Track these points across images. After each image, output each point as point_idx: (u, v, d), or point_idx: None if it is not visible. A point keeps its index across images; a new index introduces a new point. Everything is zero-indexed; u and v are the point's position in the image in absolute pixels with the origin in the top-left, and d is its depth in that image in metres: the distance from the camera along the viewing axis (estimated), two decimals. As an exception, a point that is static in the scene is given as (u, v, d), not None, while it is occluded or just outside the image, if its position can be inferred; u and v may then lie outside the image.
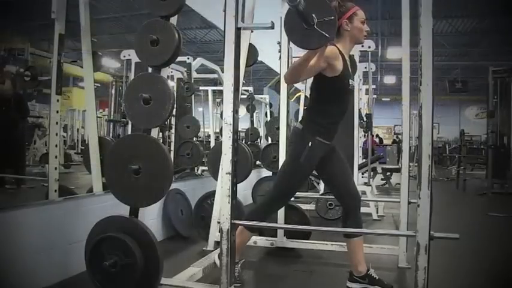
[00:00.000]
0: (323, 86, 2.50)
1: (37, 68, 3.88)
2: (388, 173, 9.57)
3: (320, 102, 2.57)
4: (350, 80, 2.55)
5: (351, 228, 2.67)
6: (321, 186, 6.16)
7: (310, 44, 1.94)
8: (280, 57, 3.82)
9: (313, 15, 1.84)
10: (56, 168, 3.30)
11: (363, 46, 5.03)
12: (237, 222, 2.13)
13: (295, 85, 7.10)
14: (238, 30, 2.11)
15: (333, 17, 1.86)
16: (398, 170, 8.74)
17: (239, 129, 2.20)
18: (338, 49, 2.44)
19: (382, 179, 9.68)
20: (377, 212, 5.52)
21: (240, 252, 2.75)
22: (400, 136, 18.83)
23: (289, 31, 1.96)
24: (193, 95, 6.22)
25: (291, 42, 3.80)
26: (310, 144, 2.49)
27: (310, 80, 6.38)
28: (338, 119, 2.65)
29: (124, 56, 5.43)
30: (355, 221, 2.66)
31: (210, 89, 7.89)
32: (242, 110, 7.79)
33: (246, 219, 2.61)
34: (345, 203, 2.72)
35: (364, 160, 8.10)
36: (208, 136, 8.67)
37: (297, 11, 1.78)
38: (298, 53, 4.74)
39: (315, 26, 1.85)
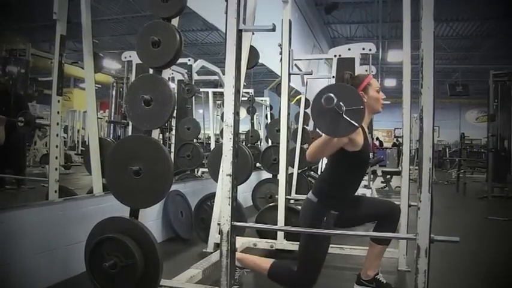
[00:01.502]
0: (343, 160, 2.42)
1: (32, 115, 3.88)
2: (388, 176, 9.57)
3: (338, 175, 2.50)
4: (370, 154, 2.53)
5: (351, 232, 2.66)
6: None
7: (337, 131, 1.94)
8: (281, 60, 3.83)
9: (341, 103, 1.84)
10: (56, 169, 3.30)
11: (363, 49, 5.03)
12: (237, 224, 2.12)
13: (296, 87, 7.11)
14: (239, 32, 2.11)
15: (362, 107, 1.86)
16: (398, 173, 8.75)
17: (239, 131, 2.20)
18: None
19: (382, 182, 9.67)
20: (377, 215, 5.50)
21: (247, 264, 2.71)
22: (400, 139, 18.85)
23: (317, 117, 1.95)
24: (193, 97, 6.22)
25: (292, 45, 3.82)
26: (325, 219, 2.45)
27: (310, 84, 6.39)
28: (354, 191, 2.62)
29: (125, 58, 5.42)
30: (393, 225, 2.63)
31: (210, 90, 7.89)
32: (242, 112, 7.79)
33: (282, 282, 2.55)
34: (388, 218, 2.65)
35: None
36: (209, 138, 8.66)
37: (329, 108, 1.81)
38: (300, 55, 4.76)
39: (344, 115, 1.85)
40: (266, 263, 2.58)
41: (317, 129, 6.54)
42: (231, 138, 2.07)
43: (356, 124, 1.86)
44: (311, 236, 2.44)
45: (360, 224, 2.75)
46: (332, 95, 1.78)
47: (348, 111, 1.85)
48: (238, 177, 2.17)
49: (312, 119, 1.97)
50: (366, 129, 2.53)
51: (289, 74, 3.88)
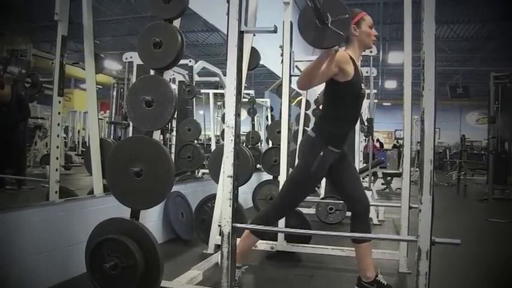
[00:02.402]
0: (336, 91, 2.50)
1: (37, 75, 3.90)
2: (389, 178, 9.56)
3: (333, 108, 2.56)
4: (362, 84, 2.56)
5: (352, 233, 2.67)
6: (321, 191, 6.16)
7: (324, 42, 1.95)
8: (282, 61, 3.82)
9: (328, 14, 1.84)
10: (56, 170, 3.30)
11: (364, 51, 5.02)
12: (238, 225, 2.12)
13: (296, 89, 7.11)
14: (241, 34, 2.11)
15: (347, 15, 1.87)
16: (398, 175, 8.75)
17: (240, 133, 2.20)
18: (348, 54, 2.44)
19: (382, 184, 9.67)
20: (377, 217, 5.51)
21: (245, 256, 2.74)
22: (400, 141, 18.86)
23: (303, 30, 1.96)
24: (194, 98, 6.22)
25: (293, 46, 3.82)
26: (322, 154, 2.49)
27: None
28: (350, 126, 2.67)
29: (126, 58, 5.43)
30: (365, 226, 2.65)
31: (211, 92, 7.89)
32: (243, 114, 7.79)
33: (251, 224, 2.62)
34: (354, 207, 2.71)
35: (364, 165, 8.10)
36: (209, 139, 8.67)
37: (314, 7, 1.78)
38: (301, 57, 4.76)
39: (329, 25, 1.85)
40: (246, 234, 2.73)
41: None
42: (232, 140, 2.07)
43: (342, 33, 1.86)
44: (304, 171, 2.56)
45: (335, 189, 2.81)
46: None
47: (334, 21, 1.86)
48: (239, 178, 2.17)
49: (299, 32, 1.97)
50: (358, 63, 2.56)
51: (290, 76, 3.87)
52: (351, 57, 2.44)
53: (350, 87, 2.46)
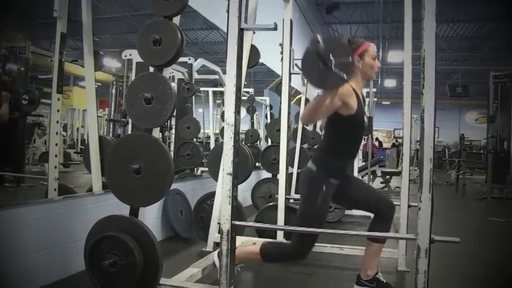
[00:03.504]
0: (338, 124, 2.45)
1: (35, 92, 3.88)
2: (388, 177, 9.57)
3: (335, 141, 2.53)
4: (364, 117, 2.55)
5: (350, 231, 2.66)
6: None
7: (327, 84, 1.95)
8: (282, 59, 3.82)
9: (331, 56, 1.84)
10: (55, 167, 3.30)
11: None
12: (237, 223, 2.12)
13: (296, 87, 7.10)
14: (241, 31, 2.10)
15: (350, 59, 1.87)
16: (397, 174, 8.76)
17: (240, 131, 2.20)
18: (351, 86, 2.41)
19: (381, 183, 9.68)
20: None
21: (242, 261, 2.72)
22: (399, 140, 18.85)
23: (307, 72, 1.98)
24: (193, 96, 6.22)
25: (292, 45, 3.82)
26: (324, 188, 2.46)
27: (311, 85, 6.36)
28: (351, 158, 2.65)
29: (125, 56, 5.41)
30: (385, 226, 2.62)
31: (210, 90, 7.88)
32: (242, 112, 7.78)
33: (279, 261, 2.59)
34: (380, 211, 2.65)
35: (364, 163, 8.10)
36: (208, 137, 8.67)
37: (317, 53, 1.80)
38: (300, 55, 4.76)
39: (333, 68, 1.86)
40: (255, 249, 2.60)
41: (317, 129, 6.56)
42: (231, 137, 2.07)
43: (345, 77, 1.87)
44: (310, 204, 2.48)
45: (355, 207, 2.77)
46: (318, 37, 1.77)
47: (337, 64, 1.86)
48: (239, 176, 2.17)
49: (302, 73, 1.98)
50: (360, 95, 2.54)
51: (290, 74, 3.87)
52: (354, 89, 2.41)
53: (353, 120, 2.43)
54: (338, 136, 2.52)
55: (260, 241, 3.60)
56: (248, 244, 2.74)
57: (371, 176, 8.12)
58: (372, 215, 2.73)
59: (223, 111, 2.16)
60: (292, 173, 5.61)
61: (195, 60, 6.05)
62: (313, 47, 1.77)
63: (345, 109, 2.35)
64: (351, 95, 2.34)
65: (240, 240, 3.44)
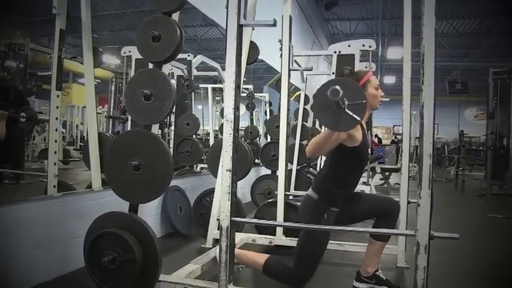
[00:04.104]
0: (343, 156, 2.44)
1: (33, 110, 3.87)
2: (387, 173, 9.58)
3: (338, 171, 2.51)
4: (368, 149, 2.54)
5: (350, 228, 2.66)
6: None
7: (340, 126, 1.93)
8: (281, 56, 3.82)
9: (345, 98, 1.83)
10: (55, 164, 3.30)
11: (363, 46, 5.02)
12: (236, 219, 2.12)
13: (295, 84, 7.10)
14: (240, 28, 2.10)
15: (364, 101, 1.86)
16: (396, 170, 8.76)
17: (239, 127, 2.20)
18: None
19: (381, 179, 9.68)
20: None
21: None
22: (399, 136, 18.84)
23: (319, 113, 1.95)
24: (193, 93, 6.21)
25: (292, 41, 3.81)
26: (325, 217, 2.47)
27: (310, 80, 6.40)
28: (353, 187, 2.63)
29: (124, 53, 5.41)
30: (390, 223, 2.63)
31: (209, 86, 7.87)
32: (242, 108, 7.78)
33: (278, 280, 2.58)
34: (388, 214, 2.67)
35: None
36: (208, 134, 8.66)
37: (337, 104, 1.80)
38: (300, 51, 4.75)
39: (346, 109, 1.85)
40: (261, 258, 2.59)
41: (317, 125, 6.55)
42: (231, 134, 2.07)
43: (358, 118, 1.86)
44: (311, 233, 2.45)
45: (359, 221, 2.75)
46: (338, 87, 1.77)
47: (350, 106, 1.85)
48: (238, 172, 2.17)
49: (314, 113, 1.96)
50: (365, 125, 2.54)
51: (289, 70, 3.87)
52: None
53: (357, 152, 2.43)
54: (341, 166, 2.50)
55: (259, 237, 3.63)
56: (258, 255, 2.72)
57: (370, 173, 8.13)
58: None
59: (223, 108, 2.16)
60: (291, 169, 5.62)
61: (194, 57, 6.04)
62: (333, 97, 1.76)
63: (350, 141, 2.35)
64: (356, 128, 2.32)
65: (239, 236, 3.46)
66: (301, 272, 2.48)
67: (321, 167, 3.24)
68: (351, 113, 1.85)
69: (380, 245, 2.68)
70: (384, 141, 22.62)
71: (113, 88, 7.01)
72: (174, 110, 4.34)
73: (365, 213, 2.70)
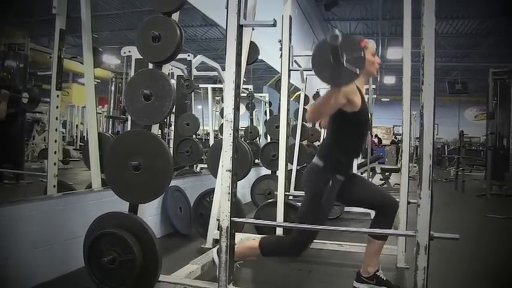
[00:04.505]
0: (343, 121, 2.47)
1: (36, 91, 3.87)
2: (387, 173, 9.57)
3: (340, 137, 2.54)
4: (369, 113, 2.55)
5: (349, 228, 2.66)
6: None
7: (341, 81, 1.95)
8: (281, 56, 3.82)
9: (344, 53, 1.85)
10: (55, 164, 3.30)
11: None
12: (236, 219, 2.12)
13: (295, 84, 7.10)
14: (240, 28, 2.10)
15: (362, 54, 1.87)
16: (396, 171, 8.76)
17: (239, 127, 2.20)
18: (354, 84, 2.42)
19: (381, 179, 9.68)
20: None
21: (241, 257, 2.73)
22: (399, 137, 18.84)
23: (318, 69, 1.96)
24: (193, 93, 6.21)
25: (292, 41, 3.81)
26: (330, 184, 2.47)
27: (310, 80, 6.40)
28: (357, 154, 2.67)
29: (124, 53, 5.41)
30: (388, 223, 2.63)
31: (209, 86, 7.87)
32: (241, 108, 7.78)
33: (279, 254, 2.60)
34: (384, 210, 2.66)
35: (363, 160, 8.11)
36: (207, 134, 8.66)
37: (335, 49, 1.80)
38: (300, 51, 4.75)
39: (345, 63, 1.86)
40: (254, 244, 2.62)
41: (317, 126, 6.55)
42: (231, 134, 2.07)
43: (357, 71, 1.87)
44: (314, 202, 2.50)
45: (358, 205, 2.77)
46: (337, 32, 1.76)
47: (349, 60, 1.86)
48: (238, 172, 2.17)
49: (314, 71, 1.96)
50: (363, 91, 2.56)
51: (289, 70, 3.87)
52: (357, 87, 2.43)
53: (357, 117, 2.45)
54: (342, 133, 2.53)
55: (259, 237, 3.63)
56: (249, 243, 2.74)
57: (370, 173, 8.13)
58: (373, 212, 2.74)
59: (223, 108, 2.16)
60: (291, 169, 5.62)
61: (194, 57, 6.04)
62: (333, 41, 1.76)
63: (349, 106, 2.37)
64: (355, 92, 2.36)
65: (239, 236, 3.46)
66: (299, 242, 2.54)
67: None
68: (350, 67, 1.86)
69: (379, 244, 2.68)
70: (383, 142, 22.62)
71: (112, 88, 7.01)
72: (174, 110, 4.35)
73: (365, 198, 2.71)
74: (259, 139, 8.31)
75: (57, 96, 3.31)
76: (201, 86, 7.91)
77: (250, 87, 7.89)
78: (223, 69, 2.11)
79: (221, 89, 7.81)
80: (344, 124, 2.49)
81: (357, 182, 2.68)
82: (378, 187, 2.77)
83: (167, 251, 3.44)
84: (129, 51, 5.34)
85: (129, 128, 5.40)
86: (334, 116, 2.47)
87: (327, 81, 2.03)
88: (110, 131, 6.74)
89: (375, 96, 8.58)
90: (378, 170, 9.51)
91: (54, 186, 3.26)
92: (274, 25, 2.11)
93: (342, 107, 2.35)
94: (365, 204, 2.80)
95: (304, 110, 6.32)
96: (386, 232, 2.50)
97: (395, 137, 22.69)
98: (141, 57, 2.37)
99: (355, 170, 5.65)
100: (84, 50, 3.41)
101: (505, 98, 8.58)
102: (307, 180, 2.60)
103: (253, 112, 8.34)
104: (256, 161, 6.13)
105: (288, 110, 3.87)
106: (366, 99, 6.76)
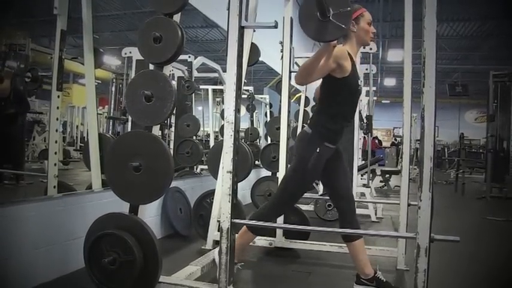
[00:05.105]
0: (333, 87, 2.49)
1: (38, 70, 3.89)
2: (387, 175, 9.57)
3: (330, 104, 2.55)
4: (359, 81, 2.56)
5: (350, 230, 2.66)
6: (320, 187, 6.16)
7: (325, 36, 1.93)
8: (282, 57, 3.82)
9: (329, 7, 1.83)
10: (55, 164, 3.29)
11: (364, 48, 5.01)
12: (237, 221, 2.12)
13: (296, 86, 7.10)
14: (241, 29, 2.10)
15: (348, 8, 1.86)
16: (397, 173, 8.76)
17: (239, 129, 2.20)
18: (346, 50, 2.43)
19: (381, 181, 9.68)
20: (375, 214, 5.52)
21: (242, 252, 2.74)
22: (399, 139, 18.85)
23: (304, 23, 1.95)
24: (193, 94, 6.21)
25: (293, 43, 3.81)
26: (318, 150, 2.49)
27: (310, 83, 6.38)
28: (347, 122, 2.65)
29: (125, 54, 5.42)
30: (353, 224, 2.65)
31: (210, 88, 7.88)
32: (242, 110, 7.77)
33: (265, 219, 2.60)
34: (339, 204, 2.70)
35: (363, 162, 8.11)
36: (208, 135, 8.67)
37: (319, 0, 1.77)
38: (301, 53, 4.75)
39: (331, 18, 1.84)
40: (243, 230, 2.70)
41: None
42: (231, 135, 2.07)
43: (344, 26, 1.85)
44: (299, 172, 2.55)
45: (326, 186, 2.80)
46: None
47: (335, 15, 1.84)
48: (238, 174, 2.17)
49: (300, 24, 1.95)
50: (355, 60, 2.56)
51: (290, 72, 3.87)
52: (348, 53, 2.44)
53: (347, 83, 2.46)
54: (333, 99, 2.55)
55: (259, 239, 3.63)
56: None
57: (370, 175, 8.13)
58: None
59: (223, 109, 2.17)
60: (291, 171, 5.60)
61: (195, 58, 6.04)
62: None
63: (340, 71, 2.39)
64: (345, 58, 2.38)
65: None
66: (273, 212, 2.67)
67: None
68: (336, 21, 1.84)
69: (358, 244, 2.65)
70: (384, 144, 22.62)
71: (113, 89, 7.02)
72: (174, 111, 4.36)
73: (332, 181, 2.72)
74: (259, 140, 8.31)
75: (58, 96, 3.30)
76: (201, 87, 7.93)
77: (251, 88, 7.90)
78: (224, 71, 2.11)
79: (221, 91, 7.82)
80: (333, 90, 2.50)
81: (338, 162, 2.69)
82: (348, 180, 2.78)
83: (167, 252, 3.44)
84: (130, 52, 5.35)
85: (129, 129, 5.41)
86: (323, 82, 2.50)
87: (312, 36, 2.02)
88: (110, 131, 6.74)
89: (375, 98, 8.58)
90: (378, 172, 9.50)
91: (54, 186, 3.26)
92: (276, 27, 2.11)
93: (331, 73, 2.37)
94: (330, 185, 2.76)
95: (305, 111, 6.32)
96: (387, 234, 2.51)
97: (395, 139, 22.68)
98: (142, 58, 2.37)
99: (355, 172, 5.67)
100: (85, 51, 3.41)
101: (505, 101, 8.59)
102: (296, 146, 2.63)
103: (254, 113, 8.34)
104: (257, 162, 6.13)
105: (289, 111, 3.87)
106: (367, 101, 6.78)
